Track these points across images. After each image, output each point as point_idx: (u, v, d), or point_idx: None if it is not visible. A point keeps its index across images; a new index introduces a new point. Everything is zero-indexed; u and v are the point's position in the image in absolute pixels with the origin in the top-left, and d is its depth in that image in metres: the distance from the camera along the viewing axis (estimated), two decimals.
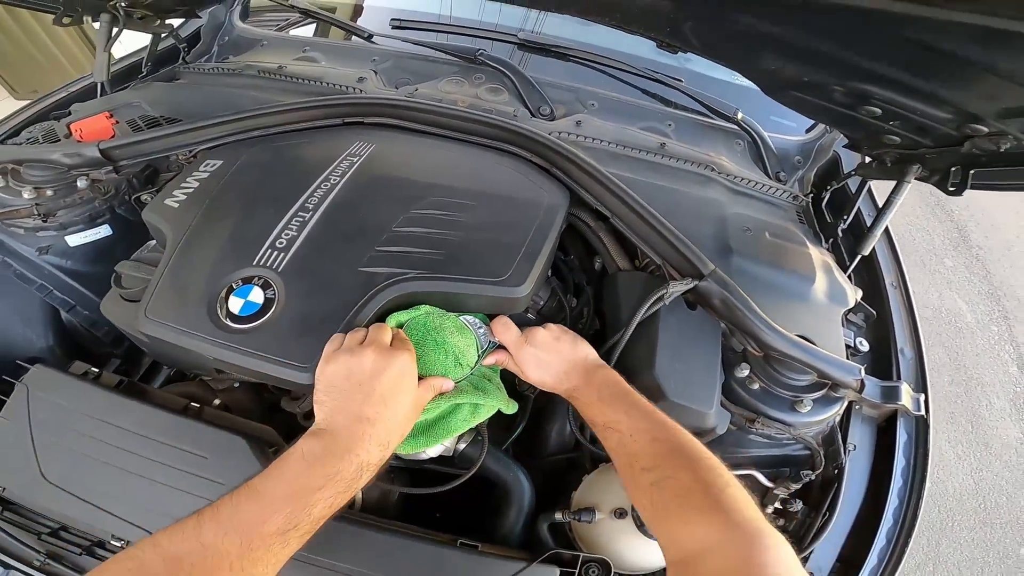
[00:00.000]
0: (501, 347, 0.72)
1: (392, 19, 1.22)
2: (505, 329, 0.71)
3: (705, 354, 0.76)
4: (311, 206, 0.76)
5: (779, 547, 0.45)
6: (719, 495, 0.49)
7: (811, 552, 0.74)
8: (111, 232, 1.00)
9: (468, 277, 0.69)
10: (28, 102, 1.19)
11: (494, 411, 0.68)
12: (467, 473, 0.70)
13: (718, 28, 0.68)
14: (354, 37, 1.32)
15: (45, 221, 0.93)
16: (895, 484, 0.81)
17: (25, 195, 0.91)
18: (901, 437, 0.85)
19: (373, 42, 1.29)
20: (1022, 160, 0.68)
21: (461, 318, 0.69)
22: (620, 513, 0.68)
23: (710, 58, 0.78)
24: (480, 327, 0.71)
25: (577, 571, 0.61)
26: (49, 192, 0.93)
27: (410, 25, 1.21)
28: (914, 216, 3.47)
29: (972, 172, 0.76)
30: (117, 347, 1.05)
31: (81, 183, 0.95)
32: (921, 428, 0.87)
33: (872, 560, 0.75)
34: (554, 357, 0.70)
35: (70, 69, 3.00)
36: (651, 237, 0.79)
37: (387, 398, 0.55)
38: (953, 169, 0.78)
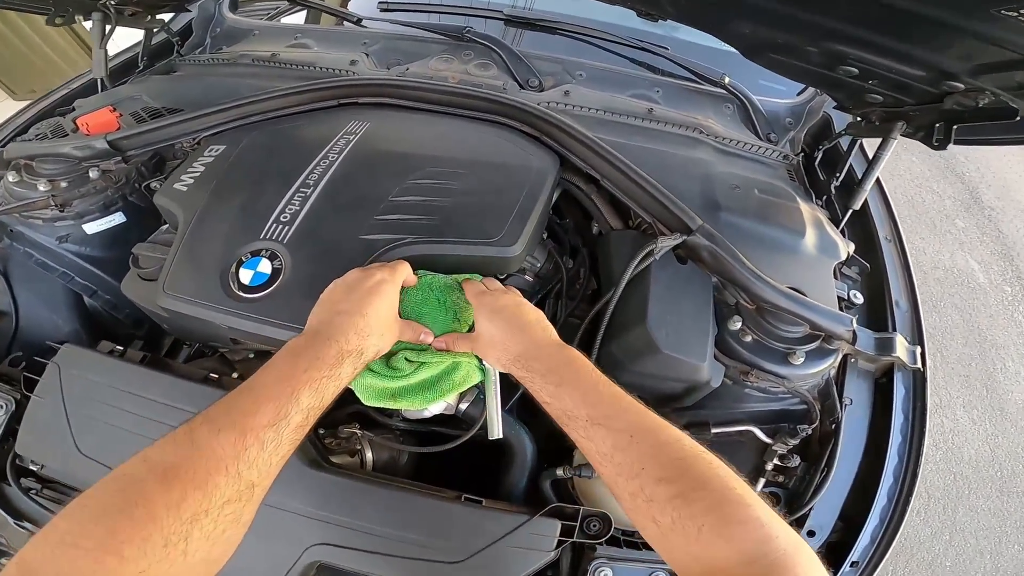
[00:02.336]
0: None
1: (380, 2, 1.25)
2: (490, 281, 0.70)
3: (697, 307, 0.78)
4: (312, 182, 0.80)
5: (814, 562, 0.42)
6: (755, 505, 0.43)
7: (810, 509, 0.75)
8: (125, 219, 1.04)
9: (462, 239, 0.73)
10: (27, 102, 1.23)
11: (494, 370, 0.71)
12: (469, 432, 0.73)
13: None
14: (344, 22, 1.34)
15: (62, 211, 0.97)
16: (894, 440, 0.81)
17: (41, 187, 0.95)
18: (899, 391, 0.85)
19: (363, 26, 1.31)
20: (1001, 115, 0.69)
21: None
22: None
23: (687, 23, 0.80)
24: None
25: (578, 524, 0.63)
26: (63, 184, 0.97)
27: (398, 7, 1.23)
28: (923, 179, 3.41)
29: (955, 127, 0.77)
30: (138, 329, 1.11)
31: (93, 174, 0.99)
32: (919, 382, 0.87)
33: (874, 519, 0.75)
34: (511, 314, 0.63)
35: (64, 67, 3.04)
36: (639, 195, 0.81)
37: (365, 298, 0.58)
38: (937, 125, 0.80)
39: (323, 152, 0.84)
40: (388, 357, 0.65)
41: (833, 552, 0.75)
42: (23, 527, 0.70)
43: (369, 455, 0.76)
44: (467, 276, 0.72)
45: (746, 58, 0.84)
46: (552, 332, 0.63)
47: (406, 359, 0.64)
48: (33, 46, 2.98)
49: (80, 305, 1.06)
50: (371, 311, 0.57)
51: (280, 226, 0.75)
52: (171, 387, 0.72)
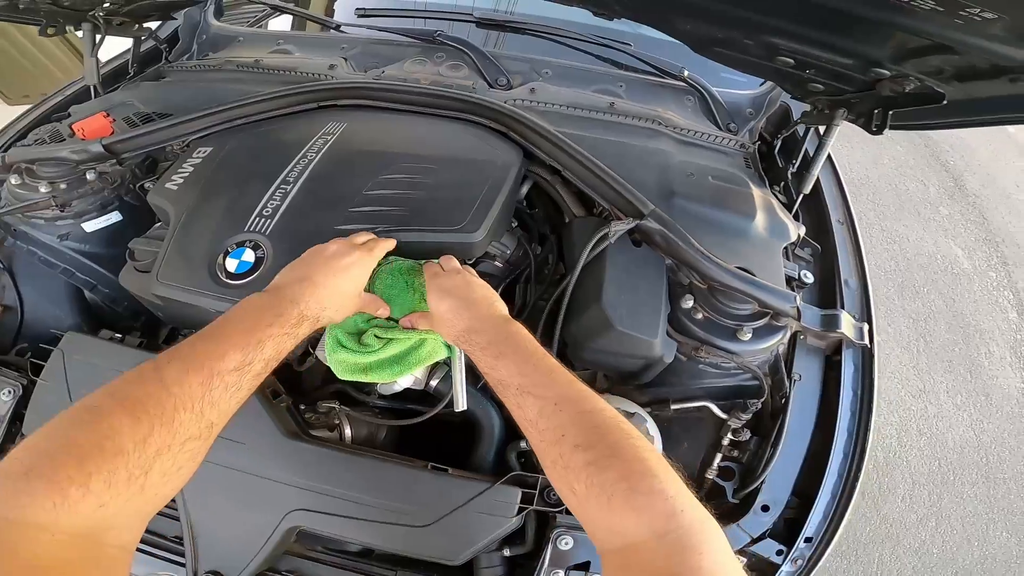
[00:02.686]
0: None
1: (357, 8, 1.31)
2: (447, 260, 0.72)
3: (650, 287, 0.84)
4: (292, 179, 0.86)
5: (718, 537, 0.42)
6: (664, 478, 0.44)
7: (762, 482, 0.77)
8: (121, 217, 1.10)
9: (429, 227, 0.79)
10: (22, 107, 1.30)
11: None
12: (437, 407, 0.79)
13: None
14: (324, 28, 1.40)
15: (62, 211, 1.03)
16: (843, 417, 0.83)
17: (42, 189, 1.01)
18: (847, 368, 0.88)
19: (342, 31, 1.37)
20: (930, 99, 0.74)
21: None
22: None
23: (635, 20, 0.86)
24: None
25: (537, 492, 0.68)
26: (63, 185, 1.03)
27: (374, 13, 1.30)
28: (908, 167, 3.45)
29: (891, 113, 0.82)
30: (136, 320, 1.17)
31: (90, 175, 1.04)
32: (867, 359, 0.89)
33: (825, 494, 0.77)
34: (461, 291, 0.65)
35: (57, 73, 3.10)
36: (595, 183, 0.87)
37: (333, 272, 0.63)
38: (876, 111, 0.85)
39: (302, 151, 0.90)
40: (359, 335, 0.71)
41: (790, 528, 0.77)
42: None
43: (348, 430, 0.82)
44: (435, 261, 0.78)
45: (695, 52, 0.90)
46: (499, 308, 0.65)
47: (376, 336, 0.70)
48: (26, 52, 3.04)
49: (81, 299, 1.12)
50: (333, 285, 0.63)
51: (262, 219, 0.81)
52: None
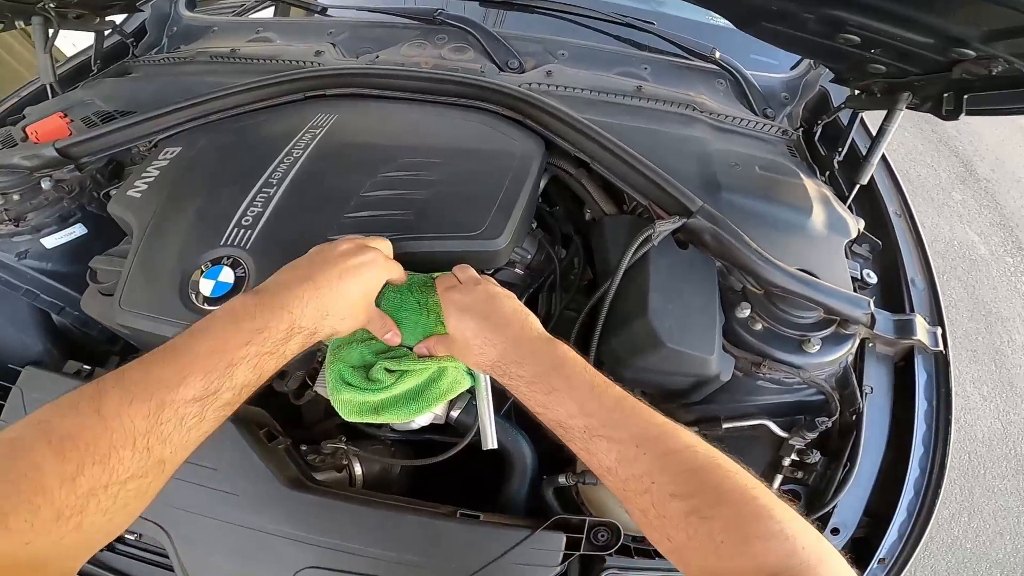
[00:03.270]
0: None
1: None
2: (461, 270, 0.61)
3: (701, 295, 0.73)
4: (275, 181, 0.73)
5: (843, 570, 0.39)
6: (779, 519, 0.39)
7: (834, 507, 0.70)
8: (85, 231, 0.99)
9: (442, 234, 0.67)
10: None
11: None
12: (463, 441, 0.68)
13: None
14: (308, 12, 1.27)
15: (17, 225, 0.93)
16: (919, 429, 0.77)
17: None
18: (920, 376, 0.80)
19: (328, 15, 1.24)
20: (1016, 83, 0.65)
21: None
22: None
23: None
24: None
25: (584, 536, 0.59)
26: (16, 196, 0.92)
27: None
28: (916, 152, 3.38)
29: (966, 97, 0.72)
30: (114, 344, 1.05)
31: (45, 184, 0.93)
32: (941, 366, 0.82)
33: (901, 513, 0.71)
34: (487, 309, 0.55)
35: (25, 73, 2.97)
36: (633, 178, 0.75)
37: (341, 272, 0.51)
38: (946, 95, 0.75)
39: (287, 148, 0.77)
40: (366, 369, 0.59)
41: (859, 548, 0.71)
42: None
43: (358, 470, 0.72)
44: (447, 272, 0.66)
45: (738, 28, 0.78)
46: (534, 325, 0.54)
47: (386, 369, 0.58)
48: None
49: (49, 323, 1.01)
50: (342, 289, 0.50)
51: (242, 230, 0.68)
52: None
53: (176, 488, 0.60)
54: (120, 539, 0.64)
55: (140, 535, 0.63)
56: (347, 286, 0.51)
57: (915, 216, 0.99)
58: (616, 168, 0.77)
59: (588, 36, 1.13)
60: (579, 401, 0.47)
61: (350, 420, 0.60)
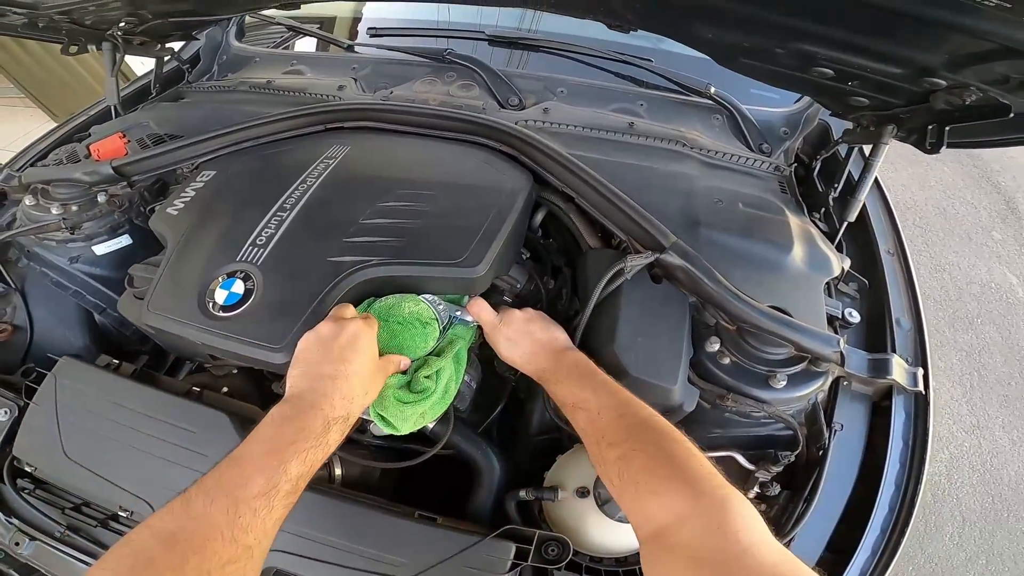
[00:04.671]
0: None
1: (369, 28, 1.29)
2: (479, 309, 0.75)
3: (671, 328, 0.76)
4: (288, 206, 0.82)
5: (747, 512, 0.46)
6: (684, 464, 0.50)
7: (791, 540, 0.71)
8: (131, 241, 1.10)
9: (427, 261, 0.73)
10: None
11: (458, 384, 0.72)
12: (432, 450, 0.73)
13: (645, 1, 0.68)
14: (335, 47, 1.39)
15: (73, 233, 1.03)
16: (891, 468, 0.77)
17: (54, 211, 1.02)
18: (898, 416, 0.80)
19: (355, 51, 1.35)
20: (993, 112, 0.65)
21: (420, 296, 0.74)
22: (583, 492, 0.69)
23: (651, 31, 0.78)
24: (439, 303, 0.75)
25: (533, 547, 0.62)
26: (74, 207, 1.03)
27: (385, 32, 1.27)
28: (956, 189, 3.24)
29: (948, 129, 0.73)
30: (144, 344, 1.15)
31: (100, 198, 1.04)
32: (920, 406, 0.81)
33: (864, 551, 0.72)
34: (524, 338, 0.73)
35: (101, 91, 3.25)
36: (611, 212, 0.80)
37: (345, 356, 0.59)
38: (930, 127, 0.76)
39: (302, 176, 0.86)
40: (407, 386, 0.68)
41: None
42: (11, 524, 0.75)
43: (338, 470, 0.77)
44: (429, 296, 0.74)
45: (720, 65, 0.82)
46: (561, 340, 0.74)
47: (424, 377, 0.67)
48: (72, 71, 3.17)
49: (91, 321, 1.12)
50: (352, 371, 0.59)
51: (256, 248, 0.77)
52: (153, 399, 0.76)
53: (173, 472, 0.68)
54: (114, 516, 0.72)
55: (132, 512, 0.70)
56: (354, 364, 0.59)
57: (908, 255, 0.99)
58: (597, 203, 0.82)
59: (590, 74, 1.19)
60: (571, 387, 0.65)
61: (405, 432, 0.67)
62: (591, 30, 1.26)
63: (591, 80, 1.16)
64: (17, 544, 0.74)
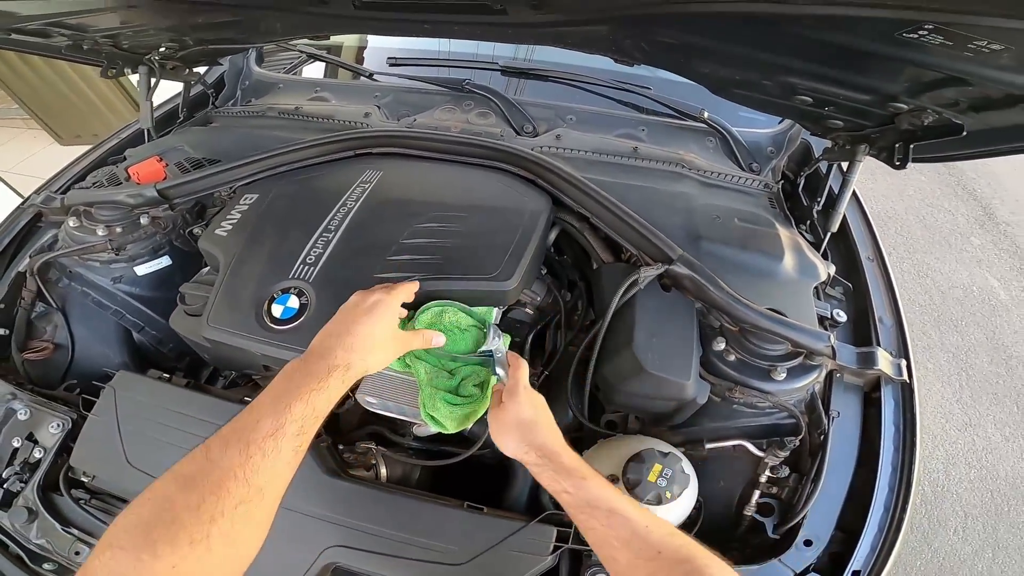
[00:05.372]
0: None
1: (389, 58, 1.39)
2: (515, 367, 0.73)
3: (681, 330, 0.85)
4: (333, 227, 0.91)
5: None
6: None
7: (803, 518, 0.77)
8: (171, 262, 1.16)
9: (464, 276, 0.82)
10: (71, 146, 1.37)
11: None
12: (474, 447, 0.80)
13: (651, 42, 0.79)
14: (358, 75, 1.48)
15: (117, 254, 1.09)
16: (886, 451, 0.83)
17: (99, 232, 1.07)
18: (888, 404, 0.87)
19: (375, 79, 1.45)
20: (948, 131, 0.75)
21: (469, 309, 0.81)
22: (612, 479, 0.75)
23: (655, 66, 0.89)
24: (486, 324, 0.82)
25: (572, 531, 0.68)
26: (118, 229, 1.08)
27: (405, 62, 1.38)
28: (934, 197, 3.39)
29: (912, 146, 0.83)
30: (180, 362, 1.21)
31: (143, 220, 1.10)
32: (907, 394, 0.89)
33: (872, 528, 0.77)
34: (522, 424, 0.68)
35: (106, 112, 3.23)
36: (623, 230, 0.89)
37: (359, 319, 0.66)
38: (897, 145, 0.85)
39: (342, 200, 0.95)
40: (456, 387, 0.75)
41: (835, 563, 0.77)
42: (70, 533, 0.79)
43: (384, 470, 0.84)
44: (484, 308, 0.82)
45: (715, 95, 0.93)
46: (556, 439, 0.68)
47: (473, 385, 0.74)
48: (79, 91, 3.20)
49: (129, 340, 1.18)
50: (359, 329, 0.65)
51: (306, 267, 0.85)
52: (211, 406, 0.82)
53: None
54: None
55: None
56: (364, 327, 0.65)
57: (886, 259, 1.09)
58: (610, 221, 0.91)
59: (594, 101, 1.30)
60: (560, 482, 0.63)
61: (452, 431, 0.73)
62: (592, 60, 1.38)
63: (595, 107, 1.26)
64: (77, 553, 0.77)
